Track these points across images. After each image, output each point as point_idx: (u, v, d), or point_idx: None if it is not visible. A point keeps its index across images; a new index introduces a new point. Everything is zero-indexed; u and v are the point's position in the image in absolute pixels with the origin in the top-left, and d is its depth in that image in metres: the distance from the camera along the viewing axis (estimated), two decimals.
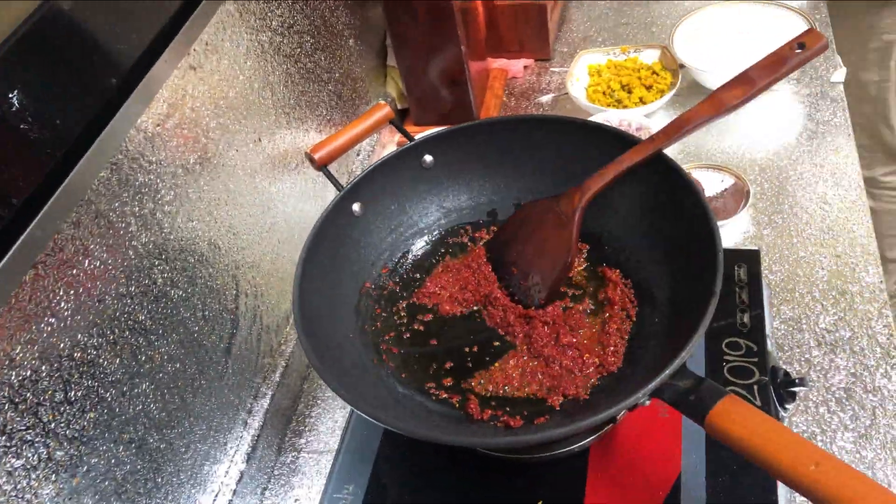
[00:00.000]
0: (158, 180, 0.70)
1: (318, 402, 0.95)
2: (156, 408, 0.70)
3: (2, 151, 0.54)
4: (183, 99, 0.74)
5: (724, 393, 0.57)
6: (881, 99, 1.44)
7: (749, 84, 0.70)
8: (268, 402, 0.89)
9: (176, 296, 0.73)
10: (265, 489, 0.87)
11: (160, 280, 0.71)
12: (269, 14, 0.91)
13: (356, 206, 0.82)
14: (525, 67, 1.39)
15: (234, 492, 0.82)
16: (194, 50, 0.75)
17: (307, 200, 1.02)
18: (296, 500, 0.86)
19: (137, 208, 0.67)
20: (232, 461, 0.83)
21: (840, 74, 1.20)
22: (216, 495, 0.80)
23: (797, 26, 1.19)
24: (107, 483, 0.64)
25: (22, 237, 0.53)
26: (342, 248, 0.80)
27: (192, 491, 0.77)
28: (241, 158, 0.85)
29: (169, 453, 0.73)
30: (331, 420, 0.93)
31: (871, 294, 0.90)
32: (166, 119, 0.72)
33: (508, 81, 1.38)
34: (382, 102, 0.87)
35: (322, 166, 0.83)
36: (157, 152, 0.70)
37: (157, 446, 0.71)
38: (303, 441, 0.91)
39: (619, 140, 0.79)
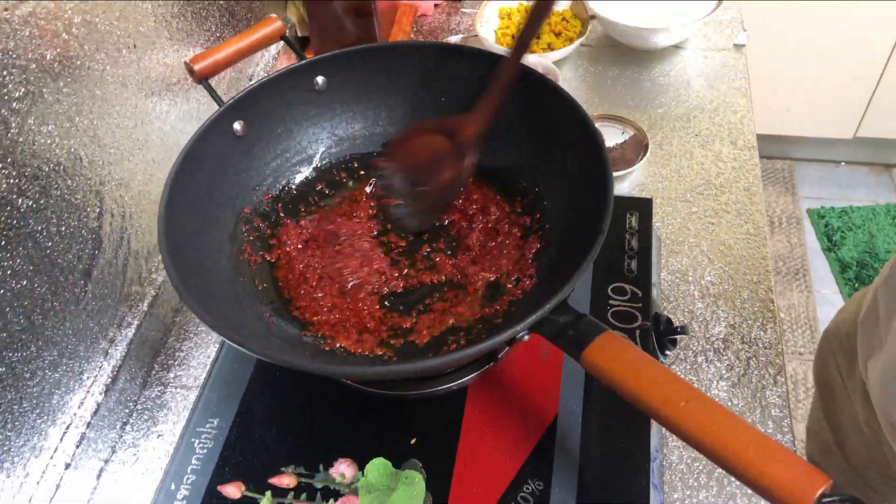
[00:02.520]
0: (4, 72, 0.62)
1: (191, 335, 0.89)
2: None
3: None
4: None
5: (603, 329, 0.56)
6: None
7: None
8: (133, 331, 0.83)
9: (24, 206, 0.66)
10: (125, 423, 0.81)
11: (3, 185, 0.63)
12: None
13: (238, 125, 0.76)
14: (435, 6, 1.34)
15: (89, 424, 0.75)
16: None
17: (189, 121, 0.95)
18: (159, 436, 0.80)
19: None
20: (88, 392, 0.77)
21: (743, 37, 1.21)
22: (67, 427, 0.74)
23: None
24: None
25: None
26: (220, 168, 0.75)
27: (38, 421, 0.70)
28: (111, 63, 0.77)
29: (10, 378, 0.66)
30: (203, 355, 0.88)
31: (755, 249, 0.91)
32: (17, 4, 0.63)
33: (417, 19, 1.33)
34: (274, 16, 0.81)
35: (202, 79, 0.77)
36: (3, 41, 0.62)
37: None
38: (171, 375, 0.86)
39: (524, 75, 0.76)
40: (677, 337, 0.76)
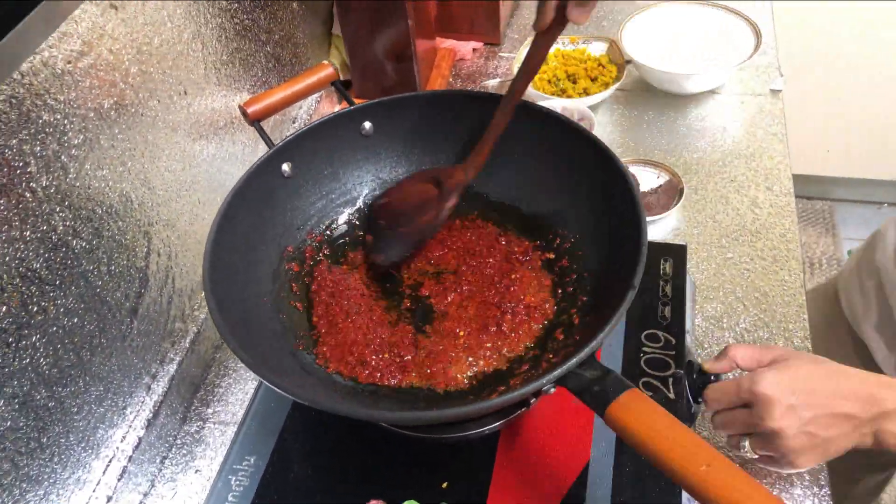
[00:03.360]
0: (66, 121, 0.66)
1: (230, 371, 0.92)
2: (46, 363, 0.66)
3: None
4: (100, 39, 0.70)
5: (628, 387, 0.56)
6: None
7: None
8: (175, 367, 0.85)
9: (78, 247, 0.69)
10: (165, 458, 0.83)
11: (60, 228, 0.66)
12: None
13: (286, 167, 0.79)
14: (474, 50, 1.37)
15: (131, 458, 0.78)
16: None
17: (234, 163, 0.98)
18: (197, 471, 0.82)
19: (39, 148, 0.63)
20: (131, 426, 0.79)
21: (780, 83, 1.21)
22: (110, 460, 0.76)
23: (743, 30, 1.20)
24: None
25: None
26: (267, 208, 0.77)
27: (83, 454, 0.73)
28: (162, 110, 0.81)
29: (58, 412, 0.68)
30: (241, 392, 0.90)
31: (791, 297, 0.91)
32: (80, 57, 0.67)
33: (456, 63, 1.36)
34: (326, 62, 0.84)
35: (255, 121, 0.80)
36: (66, 91, 0.66)
37: (44, 404, 0.66)
38: (210, 411, 0.88)
39: (557, 124, 0.78)
40: (711, 384, 0.76)
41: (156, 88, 0.80)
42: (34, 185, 0.63)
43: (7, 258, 0.61)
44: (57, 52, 0.64)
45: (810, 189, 2.42)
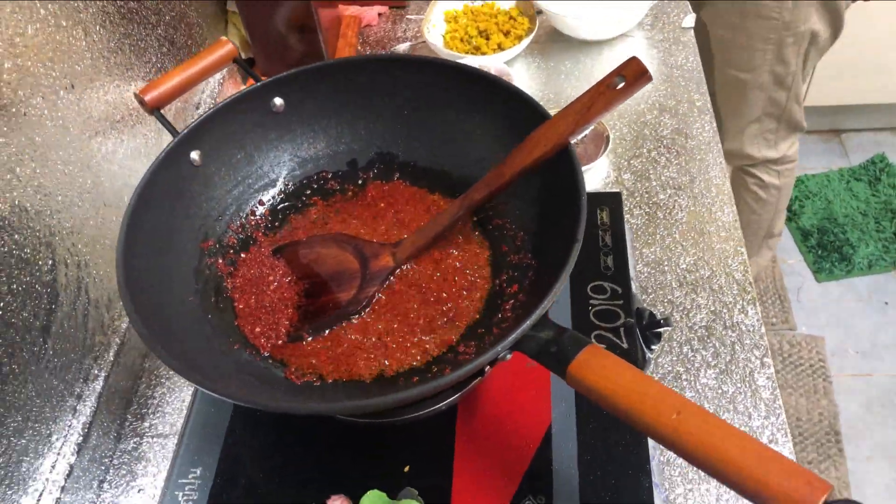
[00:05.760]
0: None
1: (163, 380, 0.86)
2: None
3: None
4: None
5: (586, 343, 0.53)
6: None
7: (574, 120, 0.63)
8: (101, 384, 0.79)
9: None
10: (102, 481, 0.77)
11: None
12: None
13: (195, 155, 0.73)
14: (379, 15, 1.32)
15: (63, 488, 0.72)
16: None
17: (139, 158, 0.91)
18: (140, 490, 0.77)
19: None
20: (59, 454, 0.73)
21: (690, 20, 1.21)
22: (40, 494, 0.70)
23: None
24: None
25: None
26: (179, 201, 0.72)
27: (9, 492, 0.66)
28: (49, 107, 0.74)
29: None
30: (178, 400, 0.84)
31: (727, 233, 0.91)
32: None
33: (362, 30, 1.30)
34: (224, 39, 0.78)
35: (154, 109, 0.73)
36: None
37: None
38: (146, 425, 0.82)
39: (477, 79, 0.75)
40: (661, 330, 0.75)
41: (37, 84, 0.72)
42: None
43: None
44: None
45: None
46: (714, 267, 0.88)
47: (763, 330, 0.82)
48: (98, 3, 0.83)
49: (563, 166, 0.64)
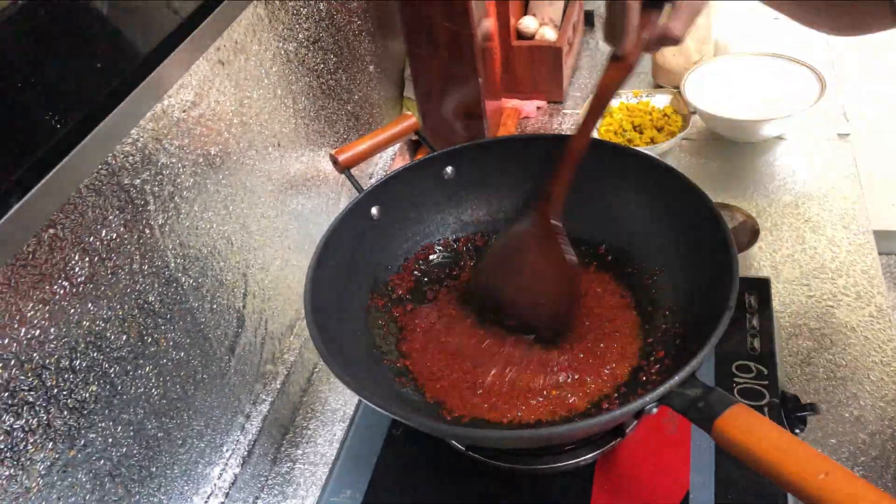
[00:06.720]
0: (180, 164, 0.71)
1: (317, 414, 0.93)
2: (157, 393, 0.69)
3: (28, 107, 0.55)
4: (209, 91, 0.75)
5: (734, 401, 0.56)
6: None
7: None
8: (267, 408, 0.87)
9: (187, 283, 0.73)
10: (257, 498, 0.84)
11: (172, 264, 0.71)
12: (297, 26, 0.93)
13: (375, 210, 0.82)
14: (538, 108, 1.42)
15: (227, 495, 0.79)
16: (224, 46, 0.77)
17: (319, 214, 1.03)
18: None
19: (157, 188, 0.68)
20: (227, 464, 0.81)
21: (847, 126, 1.22)
22: (208, 496, 0.78)
23: (806, 77, 1.22)
24: (102, 462, 0.62)
25: (36, 187, 0.52)
26: (358, 249, 0.80)
27: (185, 488, 0.75)
28: (259, 159, 0.86)
29: (166, 443, 0.71)
30: (329, 433, 0.91)
31: (880, 333, 0.89)
32: (192, 107, 0.73)
33: (521, 121, 1.40)
34: (409, 113, 0.88)
35: (345, 169, 0.84)
36: (181, 137, 0.71)
37: (154, 434, 0.69)
38: (299, 452, 0.89)
39: (630, 157, 0.81)
40: (807, 415, 0.75)
41: (254, 139, 0.85)
42: (153, 223, 0.67)
43: (129, 290, 0.65)
44: (174, 101, 0.70)
45: (880, 245, 2.36)
46: (867, 364, 0.86)
47: None
48: (306, 78, 0.96)
49: (716, 237, 0.68)
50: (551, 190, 0.74)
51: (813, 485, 0.49)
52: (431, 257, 0.87)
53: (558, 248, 0.74)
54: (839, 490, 0.48)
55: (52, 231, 0.55)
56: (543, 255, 0.76)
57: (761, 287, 0.86)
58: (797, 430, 0.75)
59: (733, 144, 1.24)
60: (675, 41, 0.63)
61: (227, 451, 0.82)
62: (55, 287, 0.56)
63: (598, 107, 0.71)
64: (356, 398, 0.88)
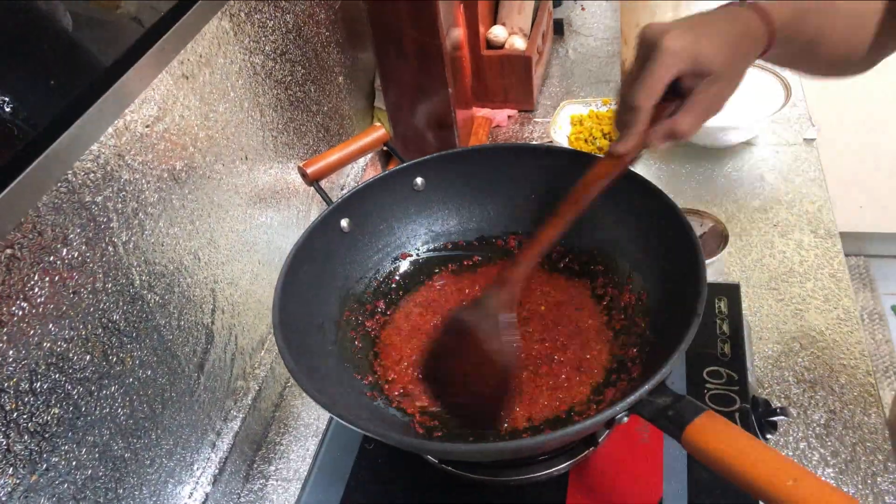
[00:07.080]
0: (144, 180, 0.70)
1: (290, 429, 0.92)
2: (123, 413, 0.68)
3: None
4: (174, 105, 0.74)
5: (703, 409, 0.56)
6: None
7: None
8: (238, 424, 0.86)
9: (153, 300, 0.72)
10: None
11: (137, 282, 0.69)
12: (264, 38, 0.93)
13: (344, 222, 0.81)
14: (509, 117, 1.42)
15: None
16: (188, 59, 0.76)
17: (289, 227, 1.02)
18: None
19: (121, 205, 0.67)
20: (198, 483, 0.80)
21: (812, 132, 1.24)
22: None
23: (772, 84, 1.24)
24: (66, 486, 0.61)
25: None
26: (328, 261, 0.80)
27: None
28: (226, 173, 0.85)
29: (133, 464, 0.69)
30: (302, 448, 0.90)
31: (848, 335, 0.90)
32: (156, 122, 0.72)
33: (493, 129, 1.41)
34: (378, 124, 0.88)
35: (314, 181, 0.83)
36: (144, 153, 0.70)
37: (121, 454, 0.68)
38: (272, 468, 0.88)
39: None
40: (778, 419, 0.75)
41: (220, 153, 0.84)
42: (116, 240, 0.66)
43: (91, 308, 0.63)
44: (137, 116, 0.69)
45: (844, 246, 2.41)
46: (835, 367, 0.87)
47: (888, 433, 0.80)
48: (274, 91, 0.96)
49: (683, 243, 0.68)
50: (509, 276, 0.66)
51: (783, 491, 0.49)
52: (403, 269, 0.87)
53: (499, 344, 0.66)
54: (809, 496, 0.48)
55: (8, 251, 0.54)
56: (481, 347, 0.66)
57: (731, 292, 0.86)
58: (768, 435, 0.75)
59: (702, 150, 1.25)
60: (680, 138, 0.61)
61: (198, 469, 0.81)
62: (13, 308, 0.55)
63: (577, 201, 0.65)
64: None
